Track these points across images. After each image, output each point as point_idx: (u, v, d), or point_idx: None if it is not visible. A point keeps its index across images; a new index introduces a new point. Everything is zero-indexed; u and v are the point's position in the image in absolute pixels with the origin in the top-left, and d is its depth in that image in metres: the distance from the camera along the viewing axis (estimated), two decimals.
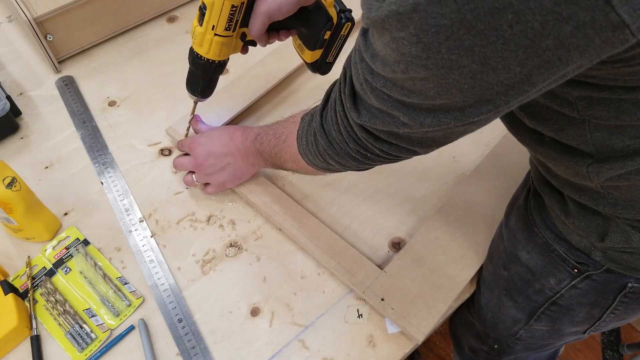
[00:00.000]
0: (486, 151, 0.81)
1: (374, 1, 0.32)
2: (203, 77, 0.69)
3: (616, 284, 0.53)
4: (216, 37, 0.62)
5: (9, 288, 0.65)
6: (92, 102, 0.90)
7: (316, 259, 0.71)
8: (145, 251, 0.72)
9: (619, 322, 0.59)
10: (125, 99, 0.90)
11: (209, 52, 0.64)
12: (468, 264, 0.69)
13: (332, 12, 0.65)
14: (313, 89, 0.91)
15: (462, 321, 0.86)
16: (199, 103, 0.75)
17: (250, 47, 0.69)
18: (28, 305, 0.67)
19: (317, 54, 0.69)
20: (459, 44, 0.30)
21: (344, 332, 0.66)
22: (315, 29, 0.66)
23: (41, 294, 0.67)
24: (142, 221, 0.75)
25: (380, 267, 0.69)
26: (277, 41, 0.67)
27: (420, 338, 0.62)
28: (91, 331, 0.65)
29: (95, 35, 0.96)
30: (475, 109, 0.36)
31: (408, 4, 0.29)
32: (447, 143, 0.45)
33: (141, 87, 0.92)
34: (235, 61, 0.95)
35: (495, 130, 0.83)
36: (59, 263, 0.71)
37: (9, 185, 0.64)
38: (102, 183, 0.79)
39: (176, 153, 0.83)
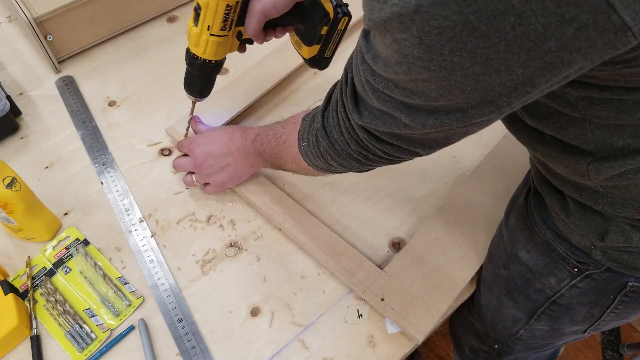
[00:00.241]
0: (486, 151, 0.81)
1: (376, 3, 0.32)
2: (200, 77, 0.69)
3: (616, 283, 0.53)
4: (212, 37, 0.61)
5: (9, 288, 0.65)
6: (92, 102, 0.90)
7: (316, 259, 0.71)
8: (145, 251, 0.72)
9: (619, 321, 0.59)
10: (125, 99, 0.90)
11: (205, 52, 0.64)
12: (468, 264, 0.69)
13: (329, 7, 0.64)
14: (313, 89, 0.91)
15: (462, 321, 0.86)
16: (198, 103, 0.75)
17: (249, 48, 0.69)
18: (28, 305, 0.67)
19: (315, 49, 0.68)
20: (462, 45, 0.30)
21: (344, 332, 0.66)
22: (311, 25, 0.65)
23: (41, 294, 0.67)
24: (142, 221, 0.75)
25: (380, 267, 0.69)
26: (273, 38, 0.67)
27: (420, 338, 0.62)
28: (91, 331, 0.65)
29: (95, 35, 0.96)
30: (478, 110, 0.36)
31: (410, 5, 0.29)
32: (449, 144, 0.45)
33: (141, 87, 0.92)
34: (235, 61, 0.95)
35: (495, 130, 0.83)
36: (59, 263, 0.71)
37: (9, 185, 0.64)
38: (102, 183, 0.79)
39: (176, 153, 0.83)
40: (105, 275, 0.69)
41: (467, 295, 0.71)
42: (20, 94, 0.91)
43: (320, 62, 0.70)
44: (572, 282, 0.55)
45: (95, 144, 0.84)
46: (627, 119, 0.38)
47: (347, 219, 0.75)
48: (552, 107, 0.42)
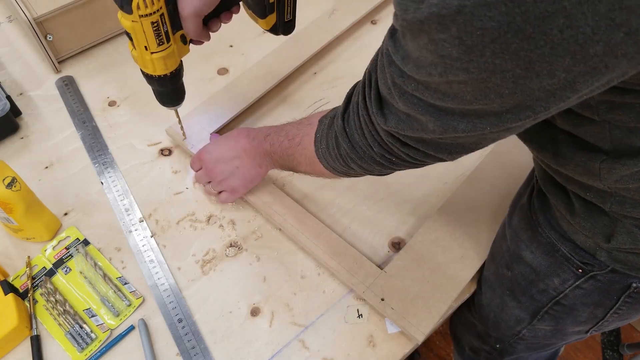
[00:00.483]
0: (486, 151, 0.81)
1: (411, 2, 0.31)
2: (166, 91, 0.67)
3: (620, 284, 0.52)
4: (154, 55, 0.59)
5: (9, 288, 0.65)
6: (92, 102, 0.90)
7: (316, 259, 0.71)
8: (145, 251, 0.72)
9: (621, 322, 0.59)
10: (125, 99, 0.90)
11: (155, 69, 0.62)
12: (468, 263, 0.69)
13: None
14: (313, 89, 0.91)
15: (462, 321, 0.86)
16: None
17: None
18: (28, 305, 0.67)
19: (272, 19, 0.65)
20: (505, 47, 0.29)
21: (344, 332, 0.66)
22: None
23: (41, 294, 0.67)
24: (142, 221, 0.75)
25: (380, 267, 0.69)
26: (224, 24, 0.64)
27: (420, 338, 0.62)
28: (91, 331, 0.65)
29: (95, 35, 0.96)
30: (513, 114, 0.35)
31: (452, 5, 0.28)
32: (476, 150, 0.44)
33: (141, 87, 0.92)
34: (235, 61, 0.95)
35: None
36: (59, 263, 0.71)
37: (9, 185, 0.64)
38: (102, 183, 0.79)
39: (176, 153, 0.83)
40: (105, 275, 0.69)
41: (467, 295, 0.71)
42: (20, 94, 0.91)
43: (282, 28, 0.67)
44: (576, 283, 0.55)
45: (95, 144, 0.84)
46: None
47: (347, 219, 0.75)
48: (571, 109, 0.42)
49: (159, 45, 0.58)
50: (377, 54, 0.44)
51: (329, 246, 0.70)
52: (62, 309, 0.66)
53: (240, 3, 0.65)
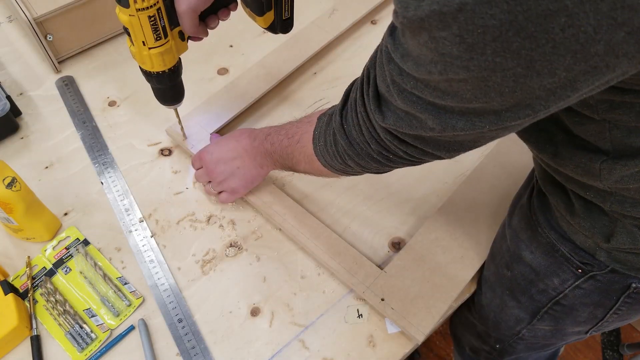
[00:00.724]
0: (486, 151, 0.81)
1: (412, 0, 0.31)
2: (164, 88, 0.67)
3: (620, 285, 0.52)
4: (151, 50, 0.59)
5: (9, 288, 0.65)
6: (92, 102, 0.90)
7: (316, 259, 0.71)
8: (145, 251, 0.72)
9: (621, 322, 0.59)
10: (125, 99, 0.90)
11: (153, 66, 0.62)
12: (468, 264, 0.69)
13: None
14: (313, 89, 0.91)
15: (462, 321, 0.86)
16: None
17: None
18: (28, 305, 0.67)
19: (270, 16, 0.65)
20: (507, 46, 0.29)
21: (344, 332, 0.66)
22: None
23: (41, 294, 0.67)
24: (142, 221, 0.75)
25: (380, 267, 0.69)
26: (222, 20, 0.64)
27: (420, 338, 0.62)
28: (91, 331, 0.65)
29: (95, 35, 0.96)
30: (513, 113, 0.35)
31: (454, 3, 0.28)
32: (474, 148, 0.44)
33: (141, 87, 0.92)
34: (235, 61, 0.95)
35: None
36: (59, 263, 0.71)
37: (9, 185, 0.64)
38: (102, 183, 0.79)
39: (176, 153, 0.83)
40: (105, 275, 0.69)
41: (467, 295, 0.71)
42: (20, 94, 0.91)
43: (280, 26, 0.67)
44: (576, 283, 0.55)
45: (95, 144, 0.84)
46: None
47: (347, 219, 0.75)
48: (571, 108, 0.42)
49: (156, 40, 0.58)
50: (376, 51, 0.44)
51: (329, 246, 0.70)
52: (62, 309, 0.66)
53: (238, 0, 0.65)
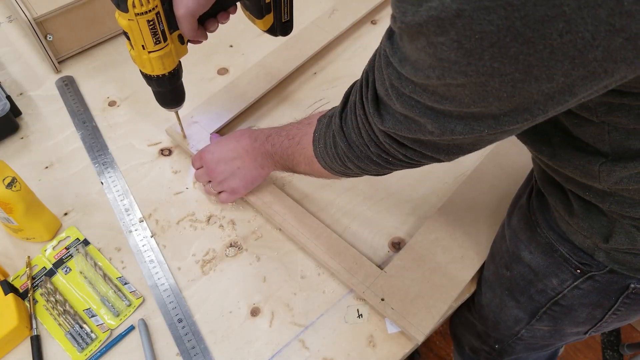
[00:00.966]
0: (486, 152, 0.81)
1: (409, 5, 0.31)
2: (165, 91, 0.67)
3: (619, 285, 0.52)
4: (151, 54, 0.59)
5: (9, 288, 0.65)
6: (92, 102, 0.90)
7: (316, 259, 0.71)
8: (145, 251, 0.72)
9: (620, 322, 0.59)
10: (125, 99, 0.90)
11: (153, 69, 0.62)
12: (468, 264, 0.69)
13: None
14: (313, 89, 0.91)
15: (462, 321, 0.86)
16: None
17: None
18: (28, 305, 0.67)
19: (269, 19, 0.66)
20: (504, 51, 0.29)
21: (344, 332, 0.66)
22: None
23: (41, 294, 0.67)
24: (142, 221, 0.75)
25: (380, 267, 0.69)
26: (221, 24, 0.64)
27: (420, 338, 0.62)
28: (91, 331, 0.65)
29: (95, 35, 0.96)
30: (511, 117, 0.35)
31: (451, 9, 0.28)
32: (473, 151, 0.44)
33: (141, 87, 0.92)
34: (235, 61, 0.95)
35: None
36: (59, 263, 0.71)
37: (9, 185, 0.64)
38: (102, 183, 0.79)
39: (176, 153, 0.83)
40: (105, 275, 0.69)
41: (467, 295, 0.71)
42: (20, 94, 0.91)
43: (280, 28, 0.67)
44: (575, 284, 0.55)
45: (95, 144, 0.84)
46: None
47: (347, 219, 0.75)
48: (570, 110, 0.42)
49: (155, 44, 0.58)
50: (374, 55, 0.44)
51: (329, 246, 0.70)
52: (62, 309, 0.66)
53: (238, 3, 0.65)
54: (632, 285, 0.51)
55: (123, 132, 0.85)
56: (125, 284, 0.69)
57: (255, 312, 0.67)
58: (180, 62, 0.65)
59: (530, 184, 0.62)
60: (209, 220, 0.75)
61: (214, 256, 0.72)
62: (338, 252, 0.69)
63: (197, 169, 0.75)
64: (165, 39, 0.59)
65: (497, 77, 0.31)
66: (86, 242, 0.73)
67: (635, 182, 0.42)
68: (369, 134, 0.47)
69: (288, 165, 0.65)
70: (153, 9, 0.55)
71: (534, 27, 0.27)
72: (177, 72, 0.65)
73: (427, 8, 0.29)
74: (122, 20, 0.56)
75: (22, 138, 0.85)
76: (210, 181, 0.74)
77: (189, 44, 0.64)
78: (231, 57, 0.96)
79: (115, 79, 0.93)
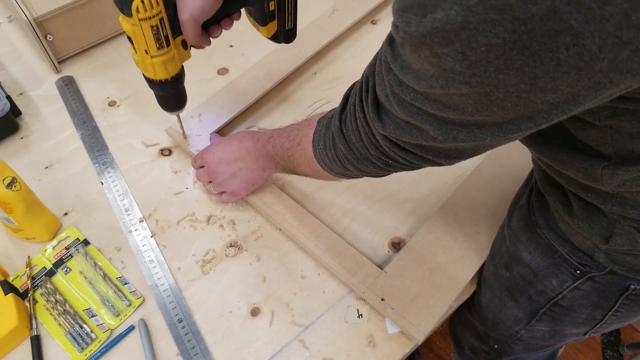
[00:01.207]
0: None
1: (413, 15, 0.30)
2: (167, 95, 0.67)
3: (619, 286, 0.52)
4: (154, 59, 0.59)
5: (9, 288, 0.65)
6: (92, 102, 0.90)
7: (316, 259, 0.71)
8: (145, 251, 0.72)
9: (620, 323, 0.59)
10: (125, 99, 0.90)
11: (156, 74, 0.62)
12: (468, 264, 0.69)
13: None
14: (313, 89, 0.91)
15: (462, 321, 0.86)
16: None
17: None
18: (28, 305, 0.67)
19: (273, 26, 0.66)
20: (510, 63, 0.29)
21: (344, 332, 0.66)
22: (257, 4, 0.63)
23: (41, 294, 0.67)
24: (142, 221, 0.75)
25: (380, 267, 0.69)
26: (225, 30, 0.64)
27: (420, 338, 0.62)
28: (91, 331, 0.65)
29: (95, 35, 0.96)
30: (515, 125, 0.35)
31: (457, 21, 0.28)
32: (474, 155, 0.44)
33: (141, 87, 0.92)
34: (235, 61, 0.95)
35: None
36: (59, 263, 0.71)
37: (9, 185, 0.64)
38: (102, 183, 0.79)
39: (176, 153, 0.83)
40: (105, 275, 0.69)
41: (467, 295, 0.71)
42: (20, 94, 0.91)
43: (283, 36, 0.68)
44: (574, 284, 0.55)
45: (95, 144, 0.84)
46: None
47: (347, 219, 0.75)
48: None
49: (159, 49, 0.58)
50: (374, 59, 0.44)
51: (329, 246, 0.70)
52: (62, 309, 0.66)
53: (242, 10, 0.65)
54: (632, 287, 0.51)
55: (123, 132, 0.85)
56: (125, 284, 0.69)
57: (255, 312, 0.67)
58: (183, 66, 0.65)
59: (530, 184, 0.62)
60: (209, 220, 0.75)
61: (214, 256, 0.72)
62: (338, 252, 0.69)
63: (198, 168, 0.75)
64: (168, 44, 0.59)
65: (502, 87, 0.31)
66: (86, 242, 0.73)
67: (638, 184, 0.42)
68: (368, 137, 0.47)
69: (289, 166, 0.65)
70: (157, 14, 0.55)
71: (541, 41, 0.27)
72: (179, 77, 0.65)
73: (432, 19, 0.29)
74: (125, 24, 0.56)
75: (22, 138, 0.85)
76: (210, 181, 0.74)
77: (192, 48, 0.64)
78: (231, 57, 0.96)
79: (115, 79, 0.93)
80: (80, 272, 0.70)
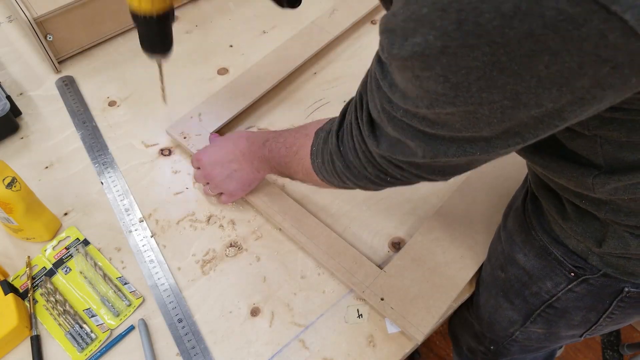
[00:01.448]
0: None
1: (396, 37, 0.31)
2: (150, 34, 0.64)
3: (613, 288, 0.52)
4: None
5: (9, 288, 0.65)
6: (92, 102, 0.90)
7: (316, 259, 0.71)
8: (145, 251, 0.72)
9: (615, 326, 0.59)
10: (125, 99, 0.90)
11: (140, 3, 0.58)
12: (467, 264, 0.69)
13: None
14: (313, 89, 0.91)
15: (461, 321, 0.86)
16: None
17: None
18: (28, 305, 0.67)
19: None
20: (491, 83, 0.29)
21: (344, 332, 0.66)
22: None
23: (41, 294, 0.67)
24: (142, 221, 0.75)
25: (380, 267, 0.69)
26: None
27: (419, 338, 0.63)
28: (91, 331, 0.65)
29: (95, 35, 0.96)
30: (502, 140, 0.35)
31: (435, 46, 0.28)
32: (469, 170, 0.44)
33: (141, 87, 0.92)
34: (235, 61, 0.95)
35: None
36: (59, 263, 0.71)
37: (9, 185, 0.64)
38: (102, 183, 0.79)
39: (176, 153, 0.83)
40: (105, 275, 0.69)
41: (466, 296, 0.71)
42: (20, 94, 0.91)
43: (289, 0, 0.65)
44: (569, 287, 0.55)
45: (95, 144, 0.84)
46: (638, 138, 0.38)
47: (347, 219, 0.75)
48: None
49: None
50: (367, 75, 0.44)
51: (329, 246, 0.70)
52: (62, 309, 0.66)
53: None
54: (626, 289, 0.51)
55: (123, 132, 0.85)
56: (125, 284, 0.69)
57: (255, 312, 0.67)
58: (173, 10, 0.62)
59: (526, 186, 0.62)
60: (209, 220, 0.75)
61: (214, 256, 0.72)
62: (338, 252, 0.69)
63: (197, 169, 0.75)
64: None
65: (486, 105, 0.31)
66: (86, 242, 0.73)
67: (631, 192, 0.42)
68: (366, 155, 0.47)
69: (285, 172, 0.65)
70: None
71: (520, 61, 0.28)
72: (167, 16, 0.62)
73: (412, 44, 0.30)
74: None
75: (22, 138, 0.85)
76: (208, 183, 0.74)
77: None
78: (231, 57, 0.96)
79: (115, 79, 0.93)
80: (80, 272, 0.70)
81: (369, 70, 0.43)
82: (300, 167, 0.60)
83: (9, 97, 0.82)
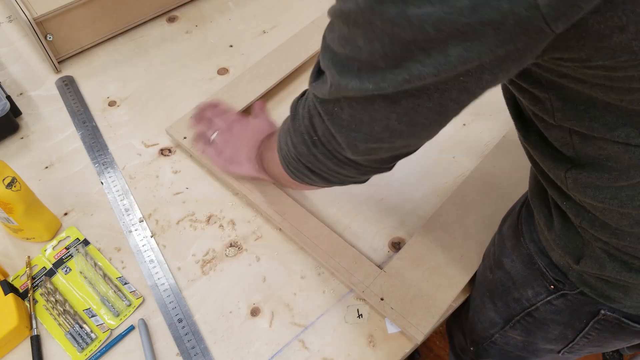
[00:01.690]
0: (486, 151, 0.81)
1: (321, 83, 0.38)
2: None
3: (590, 308, 0.52)
4: None
5: (9, 288, 0.65)
6: (92, 102, 0.90)
7: (316, 259, 0.71)
8: (145, 251, 0.72)
9: (594, 347, 0.59)
10: (125, 99, 0.90)
11: None
12: (468, 264, 0.69)
13: None
14: None
15: (455, 320, 0.87)
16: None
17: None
18: (28, 305, 0.67)
19: None
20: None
21: (344, 332, 0.66)
22: None
23: (41, 294, 0.68)
24: (142, 221, 0.75)
25: (380, 266, 0.69)
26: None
27: (419, 338, 0.63)
28: (91, 331, 0.65)
29: (95, 35, 0.96)
30: (395, 74, 0.35)
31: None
32: (409, 152, 0.46)
33: (141, 87, 0.92)
34: (235, 61, 0.95)
35: (494, 131, 0.83)
36: (59, 263, 0.71)
37: (9, 185, 0.64)
38: (102, 183, 0.79)
39: (176, 153, 0.83)
40: (105, 275, 0.69)
41: (466, 295, 0.71)
42: (20, 94, 0.91)
43: None
44: (548, 299, 0.55)
45: (95, 144, 0.84)
46: (598, 131, 0.38)
47: (347, 219, 0.75)
48: (534, 112, 0.43)
49: None
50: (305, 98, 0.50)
51: (328, 246, 0.70)
52: (62, 309, 0.66)
53: None
54: (603, 312, 0.51)
55: (123, 132, 0.85)
56: (125, 284, 0.69)
57: (255, 312, 0.67)
58: None
59: (526, 195, 0.62)
60: (209, 220, 0.75)
61: (214, 256, 0.72)
62: (338, 252, 0.69)
63: (204, 110, 0.77)
64: None
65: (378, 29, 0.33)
66: (86, 242, 0.73)
67: (600, 200, 0.43)
68: (307, 103, 0.50)
69: (269, 171, 0.65)
70: None
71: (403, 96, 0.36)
72: None
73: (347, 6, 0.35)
74: None
75: (22, 138, 0.85)
76: (207, 131, 0.75)
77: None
78: (231, 57, 0.96)
79: (115, 79, 0.93)
80: (80, 272, 0.70)
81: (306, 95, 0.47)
82: (274, 162, 0.60)
83: (9, 97, 0.82)
